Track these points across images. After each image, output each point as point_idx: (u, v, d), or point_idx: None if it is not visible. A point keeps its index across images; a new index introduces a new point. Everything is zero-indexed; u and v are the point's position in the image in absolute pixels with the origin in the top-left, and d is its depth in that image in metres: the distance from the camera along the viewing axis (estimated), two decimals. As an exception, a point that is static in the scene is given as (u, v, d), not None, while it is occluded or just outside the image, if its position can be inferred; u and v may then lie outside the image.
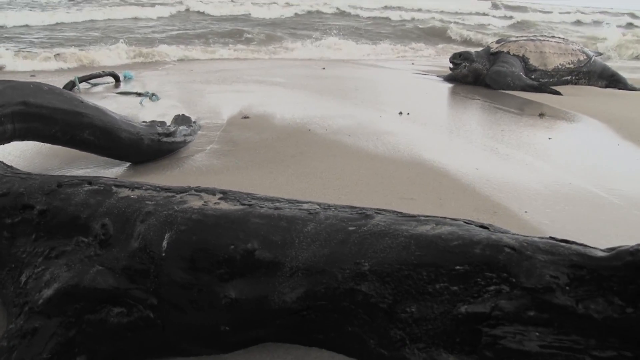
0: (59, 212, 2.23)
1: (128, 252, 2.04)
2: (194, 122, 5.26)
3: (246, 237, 1.91)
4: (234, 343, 2.01)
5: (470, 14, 29.24)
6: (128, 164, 4.29)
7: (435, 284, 1.70)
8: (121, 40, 11.28)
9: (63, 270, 2.13)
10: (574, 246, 1.60)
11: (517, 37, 9.44)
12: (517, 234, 1.76)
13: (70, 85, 6.78)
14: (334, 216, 1.95)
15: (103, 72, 7.49)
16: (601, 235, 3.13)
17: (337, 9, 24.38)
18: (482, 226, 1.84)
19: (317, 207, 2.06)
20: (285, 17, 21.36)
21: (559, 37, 9.60)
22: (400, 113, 6.15)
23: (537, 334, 1.54)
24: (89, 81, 7.20)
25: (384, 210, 2.01)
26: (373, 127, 5.40)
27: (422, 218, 1.91)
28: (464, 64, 8.61)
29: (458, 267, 1.68)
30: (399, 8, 27.11)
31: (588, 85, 8.92)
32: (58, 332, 2.03)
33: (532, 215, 3.36)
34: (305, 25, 18.91)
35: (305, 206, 2.07)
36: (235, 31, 15.03)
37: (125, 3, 20.94)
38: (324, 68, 10.16)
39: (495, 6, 34.58)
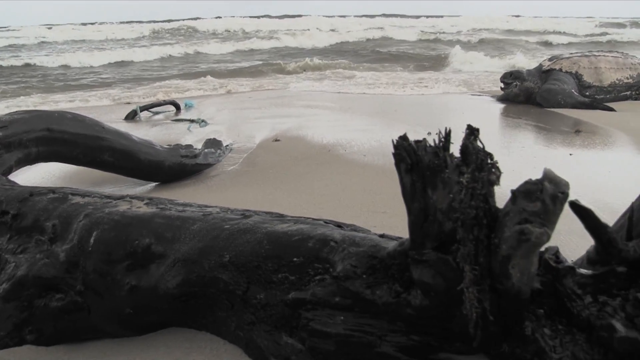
0: (26, 215, 2.69)
1: (68, 247, 2.44)
2: (226, 146, 5.74)
3: (147, 234, 2.26)
4: (141, 325, 2.35)
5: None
6: (154, 183, 4.80)
7: (278, 273, 1.96)
8: (208, 75, 12.37)
9: (22, 263, 2.58)
10: (375, 238, 1.80)
11: (571, 53, 9.19)
12: (374, 234, 1.97)
13: (133, 114, 7.54)
14: (220, 217, 2.26)
15: (164, 101, 8.23)
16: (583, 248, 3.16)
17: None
18: (339, 225, 2.07)
19: (217, 210, 2.37)
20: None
21: (617, 52, 9.22)
22: (429, 133, 6.28)
23: (342, 317, 1.75)
24: (151, 110, 7.92)
25: (281, 215, 2.28)
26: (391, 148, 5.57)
27: (288, 218, 2.17)
28: (515, 82, 8.54)
29: (295, 259, 1.93)
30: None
31: (651, 100, 8.51)
32: (14, 314, 2.46)
33: None
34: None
35: (209, 210, 2.39)
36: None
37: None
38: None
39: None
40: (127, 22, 50.01)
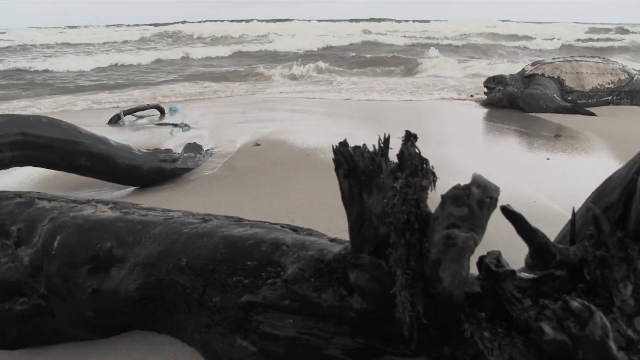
0: (-7, 220, 2.69)
1: (32, 251, 2.45)
2: (206, 150, 5.76)
3: (109, 238, 2.27)
4: (104, 328, 2.36)
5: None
6: (132, 187, 4.80)
7: (233, 277, 1.98)
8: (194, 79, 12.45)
9: (-12, 267, 2.58)
10: (324, 242, 1.83)
11: (553, 58, 9.28)
12: (327, 238, 1.99)
13: (116, 118, 7.55)
14: (180, 221, 2.27)
15: (148, 105, 8.23)
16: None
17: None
18: (294, 229, 2.10)
19: (179, 214, 2.39)
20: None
21: (598, 57, 9.32)
22: (400, 137, 6.31)
23: (291, 320, 1.77)
24: (135, 114, 7.93)
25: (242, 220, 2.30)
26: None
27: (246, 222, 2.19)
28: (498, 87, 8.62)
29: (249, 263, 1.95)
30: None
31: (631, 104, 8.59)
32: (-21, 317, 2.46)
33: (489, 227, 3.48)
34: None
35: (171, 214, 2.40)
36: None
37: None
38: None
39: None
40: (115, 25, 49.82)
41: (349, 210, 1.42)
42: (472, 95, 10.15)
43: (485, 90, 8.88)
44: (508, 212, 1.35)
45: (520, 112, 8.29)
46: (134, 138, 6.74)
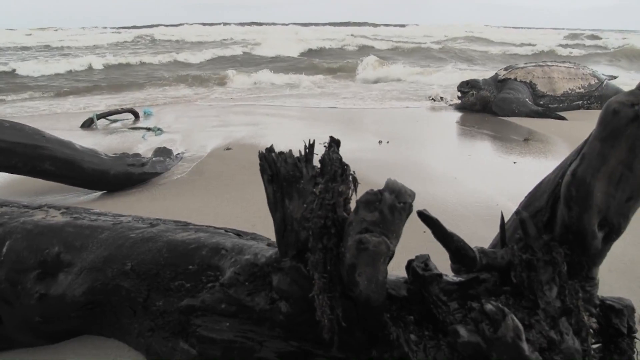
0: (-54, 226, 2.67)
1: (-18, 257, 2.44)
2: (176, 155, 5.75)
3: (57, 243, 2.27)
4: (52, 333, 2.36)
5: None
6: (99, 192, 4.78)
7: (175, 281, 1.99)
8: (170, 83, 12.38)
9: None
10: (260, 246, 1.85)
11: (526, 63, 9.39)
12: (266, 243, 2.01)
13: (89, 122, 7.51)
14: (128, 226, 2.28)
15: (122, 108, 8.19)
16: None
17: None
18: (238, 234, 2.11)
19: (130, 219, 2.40)
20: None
21: (569, 62, 9.45)
22: (380, 142, 6.37)
23: (227, 324, 1.79)
24: (108, 117, 7.88)
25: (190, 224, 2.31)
26: (343, 157, 5.64)
27: (191, 227, 2.21)
28: (471, 92, 8.70)
29: (190, 267, 1.96)
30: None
31: (601, 109, 8.67)
32: None
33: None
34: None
35: (121, 219, 2.41)
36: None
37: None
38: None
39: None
40: (93, 28, 49.21)
41: (273, 215, 1.45)
42: (442, 99, 10.19)
43: (459, 94, 8.97)
44: (424, 217, 1.38)
45: (493, 116, 8.38)
46: (106, 142, 6.72)
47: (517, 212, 1.69)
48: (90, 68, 15.68)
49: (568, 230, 1.63)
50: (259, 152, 1.46)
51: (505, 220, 1.78)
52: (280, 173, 1.37)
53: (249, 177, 4.87)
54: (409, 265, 1.58)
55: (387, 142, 6.35)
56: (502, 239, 1.72)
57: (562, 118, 7.86)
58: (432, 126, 8.01)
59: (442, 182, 4.78)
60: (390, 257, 1.34)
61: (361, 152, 5.84)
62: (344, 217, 1.33)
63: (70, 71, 15.09)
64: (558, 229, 1.67)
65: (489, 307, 1.32)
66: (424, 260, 1.59)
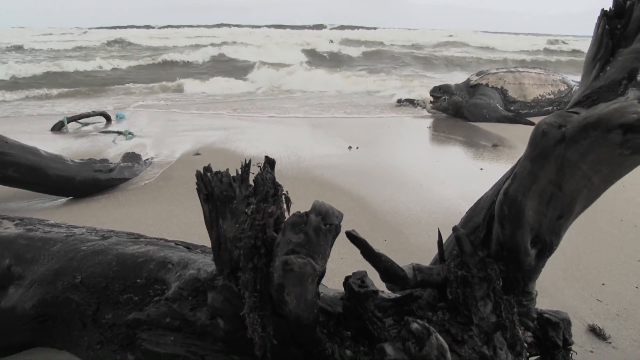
0: None
1: None
2: (145, 160, 5.73)
3: (9, 255, 2.27)
4: (4, 346, 2.35)
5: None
6: (65, 198, 4.75)
7: (124, 294, 2.01)
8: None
9: None
10: (205, 261, 1.87)
11: (497, 69, 9.53)
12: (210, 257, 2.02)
13: (60, 125, 7.44)
14: (80, 238, 2.29)
15: (93, 112, 8.12)
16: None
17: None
18: (188, 247, 2.13)
19: (83, 231, 2.40)
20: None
21: (540, 68, 9.60)
22: (350, 147, 6.41)
23: (172, 338, 1.81)
24: (79, 121, 7.82)
25: (136, 235, 2.32)
26: (311, 162, 5.68)
27: (143, 239, 2.22)
28: (443, 97, 8.80)
29: (139, 280, 1.98)
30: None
31: (570, 114, 8.83)
32: None
33: (413, 240, 3.67)
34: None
35: (74, 230, 2.41)
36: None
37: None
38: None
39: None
40: (60, 28, 48.06)
41: (210, 233, 1.47)
42: (413, 101, 10.20)
43: (431, 99, 9.06)
44: (352, 238, 1.42)
45: (464, 121, 8.48)
46: (76, 146, 6.67)
47: (454, 229, 1.73)
48: (51, 72, 15.22)
49: (502, 247, 1.68)
50: (197, 171, 1.48)
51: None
52: (215, 193, 1.40)
53: (216, 184, 4.88)
54: (346, 282, 1.62)
55: (357, 147, 6.40)
56: (441, 255, 1.76)
57: (532, 124, 7.97)
58: (403, 131, 8.07)
59: (408, 189, 4.84)
60: (320, 277, 1.37)
61: (329, 158, 5.88)
62: (273, 237, 1.36)
63: (44, 73, 14.81)
64: (493, 245, 1.71)
65: (414, 326, 1.36)
66: (361, 277, 1.63)
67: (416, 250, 3.49)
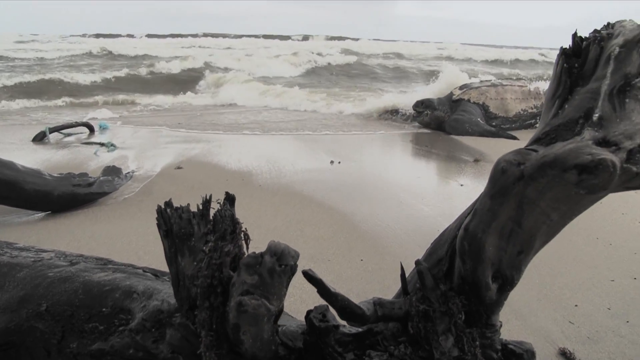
0: None
1: None
2: (126, 173, 5.70)
3: (-27, 281, 2.24)
4: (-32, 374, 2.32)
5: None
6: (42, 213, 4.71)
7: (89, 323, 1.99)
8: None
9: None
10: (169, 291, 1.86)
11: (481, 82, 9.59)
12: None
13: (41, 136, 7.39)
14: (48, 264, 2.27)
15: (76, 122, 8.08)
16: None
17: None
18: (155, 274, 2.12)
19: (52, 255, 2.38)
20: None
21: (523, 81, 9.70)
22: (332, 162, 6.42)
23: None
24: (62, 131, 7.76)
25: (103, 259, 2.31)
26: (291, 178, 5.69)
27: (111, 266, 2.21)
28: (426, 111, 8.85)
29: (104, 309, 1.96)
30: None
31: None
32: None
33: (389, 260, 3.70)
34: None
35: (42, 255, 2.39)
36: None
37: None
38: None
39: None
40: (42, 35, 47.43)
41: (169, 268, 1.47)
42: (397, 111, 10.14)
43: (414, 113, 9.11)
44: (309, 277, 1.42)
45: (446, 135, 8.54)
46: (57, 158, 6.63)
47: (416, 263, 1.74)
48: (33, 82, 15.00)
49: (464, 281, 1.69)
50: (157, 206, 1.48)
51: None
52: (174, 230, 1.40)
53: (197, 200, 4.86)
54: (307, 316, 1.62)
55: (339, 162, 6.42)
56: (404, 288, 1.77)
57: (514, 138, 8.05)
58: (385, 145, 8.10)
59: (388, 206, 4.85)
60: (277, 316, 1.37)
61: (311, 173, 5.89)
62: (230, 276, 1.36)
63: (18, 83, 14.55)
64: (456, 279, 1.72)
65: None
66: (322, 311, 1.63)
67: (392, 271, 3.50)
